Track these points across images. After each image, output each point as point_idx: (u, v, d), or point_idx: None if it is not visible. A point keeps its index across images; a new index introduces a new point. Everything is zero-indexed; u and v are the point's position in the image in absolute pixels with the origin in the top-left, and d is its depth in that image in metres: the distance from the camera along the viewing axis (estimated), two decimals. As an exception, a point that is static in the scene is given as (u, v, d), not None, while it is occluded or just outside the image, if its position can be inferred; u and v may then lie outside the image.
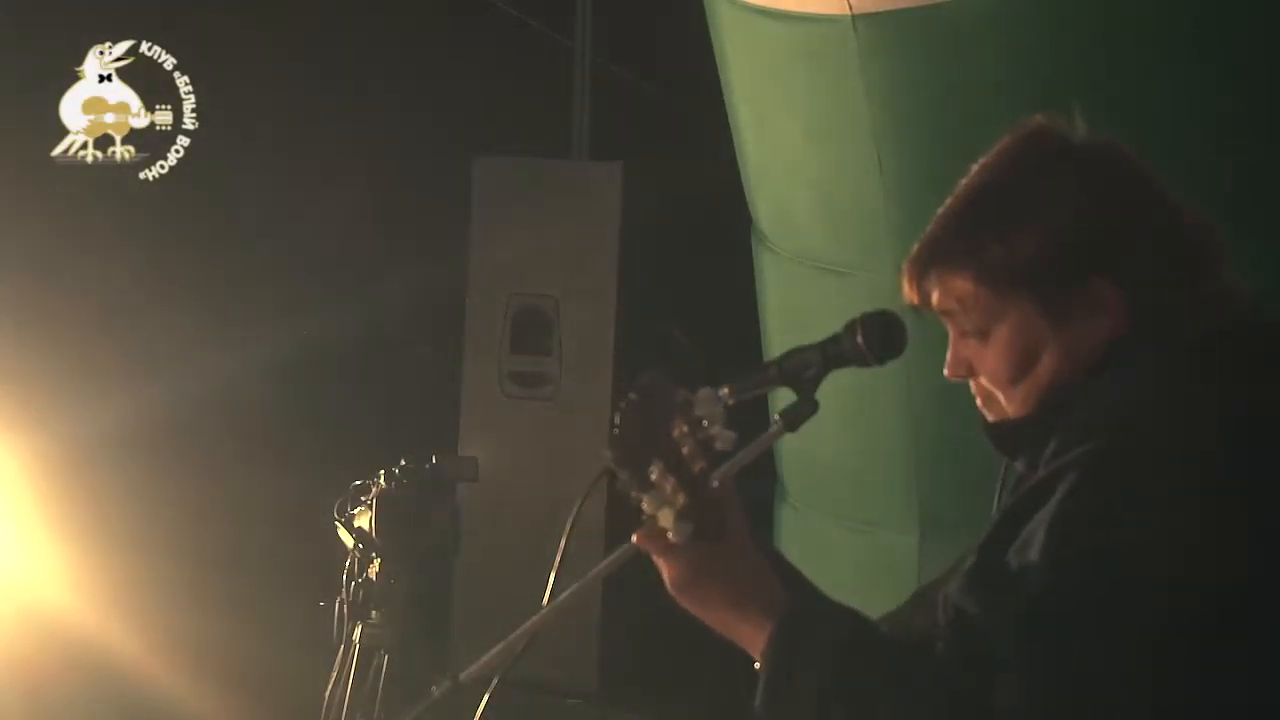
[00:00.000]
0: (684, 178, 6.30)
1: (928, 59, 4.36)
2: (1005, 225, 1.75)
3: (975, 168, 1.81)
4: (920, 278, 1.81)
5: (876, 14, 4.35)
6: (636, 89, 7.20)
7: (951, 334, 1.83)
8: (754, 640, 1.65)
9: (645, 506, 1.63)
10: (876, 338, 1.83)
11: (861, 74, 4.43)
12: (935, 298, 1.81)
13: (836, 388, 1.84)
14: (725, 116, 5.28)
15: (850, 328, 1.84)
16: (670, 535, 1.63)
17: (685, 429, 1.64)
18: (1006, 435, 1.80)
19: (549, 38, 7.23)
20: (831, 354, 1.84)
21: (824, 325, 1.88)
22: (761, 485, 5.43)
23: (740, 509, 1.69)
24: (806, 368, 1.84)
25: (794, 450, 5.25)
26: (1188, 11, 4.06)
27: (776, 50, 4.77)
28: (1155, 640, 1.53)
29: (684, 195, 6.42)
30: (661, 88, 7.08)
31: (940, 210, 1.81)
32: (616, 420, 1.66)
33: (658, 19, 6.72)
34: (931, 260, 1.80)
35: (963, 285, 1.78)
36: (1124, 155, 1.78)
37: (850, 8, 4.35)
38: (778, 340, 5.25)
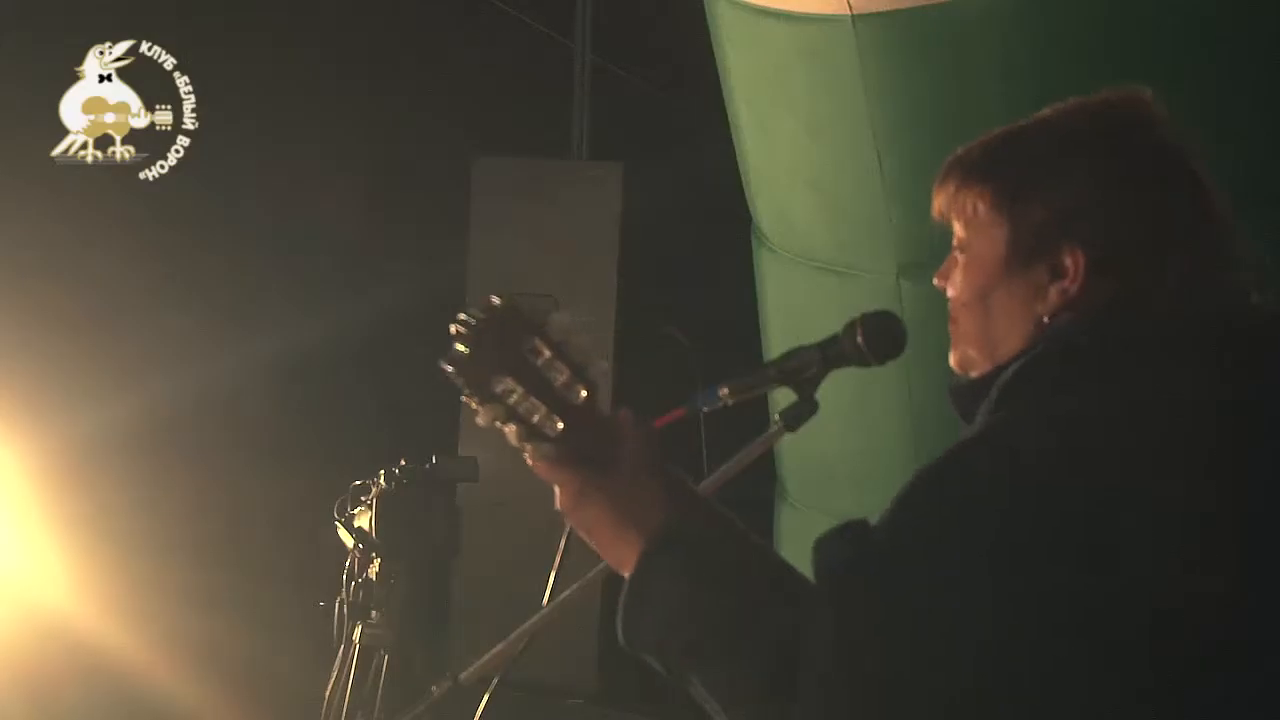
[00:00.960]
0: (684, 178, 6.30)
1: (928, 59, 4.36)
2: (1030, 175, 1.77)
3: (1055, 107, 1.82)
4: (944, 179, 1.84)
5: (876, 14, 4.34)
6: (636, 89, 7.20)
7: (954, 242, 1.85)
8: (630, 565, 1.68)
9: (480, 420, 1.67)
10: (876, 337, 1.84)
11: (861, 74, 4.43)
12: (951, 201, 1.83)
13: (836, 388, 1.84)
14: (725, 116, 5.28)
15: (850, 328, 1.85)
16: (527, 457, 1.69)
17: (549, 354, 1.66)
18: (958, 397, 1.81)
19: (549, 38, 7.23)
20: (831, 354, 1.84)
21: (824, 325, 1.88)
22: (761, 485, 5.43)
23: (639, 434, 1.70)
24: (806, 368, 1.84)
25: (794, 450, 5.25)
26: (1188, 11, 4.06)
27: (776, 50, 4.77)
28: (952, 613, 1.50)
29: (684, 195, 6.42)
30: (661, 88, 7.08)
31: (1001, 129, 1.83)
32: (454, 332, 1.68)
33: (658, 19, 6.72)
34: (956, 169, 1.84)
35: (967, 201, 1.80)
36: (1182, 153, 1.77)
37: (850, 8, 4.35)
38: (778, 340, 5.25)
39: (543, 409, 1.67)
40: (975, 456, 1.59)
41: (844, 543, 1.59)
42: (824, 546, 1.60)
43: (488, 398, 1.68)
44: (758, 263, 5.41)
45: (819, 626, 1.53)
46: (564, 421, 1.68)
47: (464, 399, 1.68)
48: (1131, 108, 1.80)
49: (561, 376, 1.68)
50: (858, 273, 4.71)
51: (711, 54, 5.23)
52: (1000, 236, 1.76)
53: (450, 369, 1.67)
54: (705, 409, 1.85)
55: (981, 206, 1.78)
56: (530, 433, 1.68)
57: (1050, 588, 1.50)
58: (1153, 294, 1.69)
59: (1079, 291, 1.71)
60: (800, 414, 1.83)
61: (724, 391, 1.84)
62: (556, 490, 1.72)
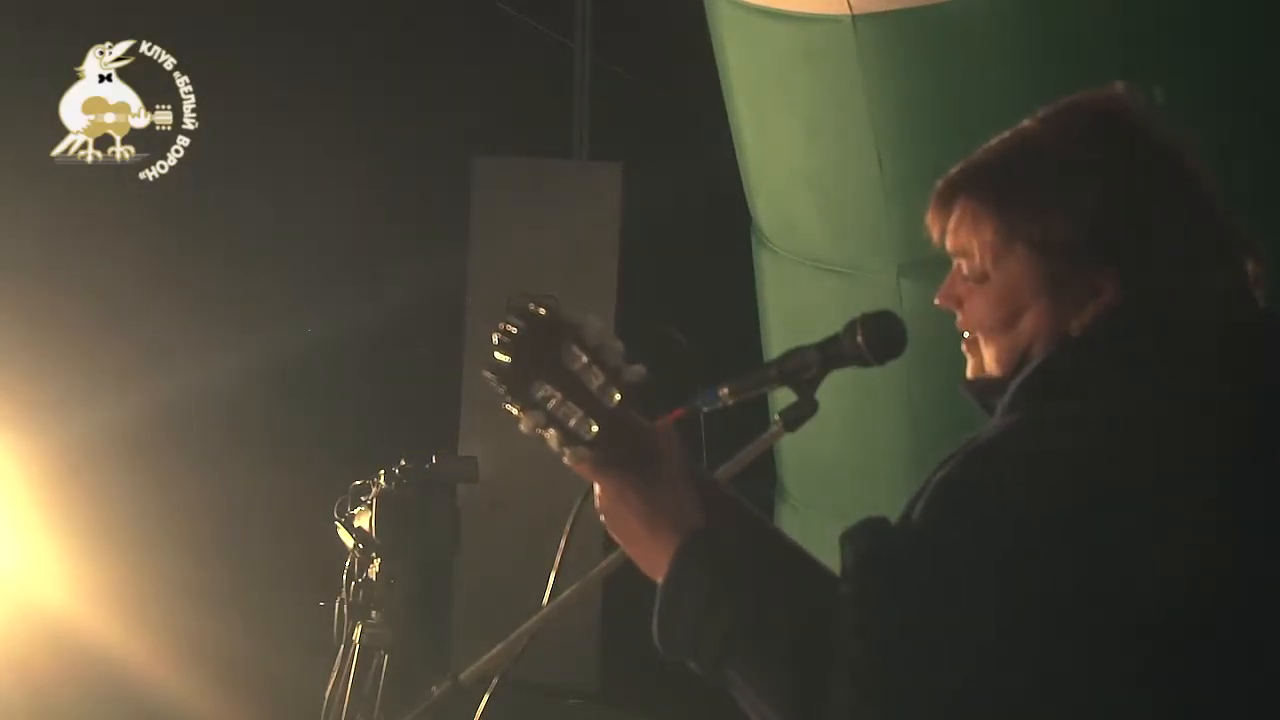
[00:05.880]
0: (684, 178, 6.31)
1: (928, 59, 4.36)
2: (1043, 194, 1.74)
3: (1038, 117, 1.79)
4: (947, 203, 1.80)
5: (876, 14, 4.35)
6: (636, 89, 7.21)
7: (954, 266, 1.83)
8: (663, 567, 1.68)
9: (523, 427, 1.67)
10: (876, 338, 1.83)
11: (861, 74, 4.43)
12: (951, 228, 1.79)
13: (836, 388, 1.84)
14: (725, 116, 5.28)
15: (850, 328, 1.84)
16: (565, 459, 1.68)
17: (585, 359, 1.66)
18: (982, 390, 1.80)
19: (549, 38, 7.24)
20: (831, 354, 1.84)
21: (824, 325, 1.88)
22: (761, 485, 5.43)
23: (673, 441, 1.72)
24: (806, 368, 1.83)
25: (794, 450, 5.25)
26: (1189, 11, 4.06)
27: (776, 50, 4.77)
28: (977, 620, 1.52)
29: (684, 195, 6.42)
30: (661, 88, 7.08)
31: (992, 143, 1.80)
32: (497, 341, 1.69)
33: (658, 19, 6.73)
34: (959, 190, 1.79)
35: (978, 228, 1.77)
36: (1177, 150, 1.76)
37: (850, 8, 4.35)
38: (778, 340, 5.25)
39: (579, 413, 1.67)
40: (994, 460, 1.60)
41: (874, 537, 1.61)
42: (854, 538, 1.61)
43: (529, 404, 1.68)
44: (758, 263, 5.41)
45: (848, 616, 1.54)
46: (599, 425, 1.68)
47: (505, 406, 1.68)
48: (1115, 110, 1.78)
49: (597, 380, 1.67)
50: (858, 273, 4.72)
51: (711, 54, 5.23)
52: (1024, 265, 1.73)
53: (492, 377, 1.67)
54: (705, 409, 1.85)
55: (997, 237, 1.75)
56: (568, 437, 1.68)
57: (1062, 589, 1.52)
58: (1158, 297, 1.69)
59: (1111, 298, 1.71)
60: (800, 414, 1.83)
61: (724, 391, 1.83)
62: (597, 491, 1.73)
